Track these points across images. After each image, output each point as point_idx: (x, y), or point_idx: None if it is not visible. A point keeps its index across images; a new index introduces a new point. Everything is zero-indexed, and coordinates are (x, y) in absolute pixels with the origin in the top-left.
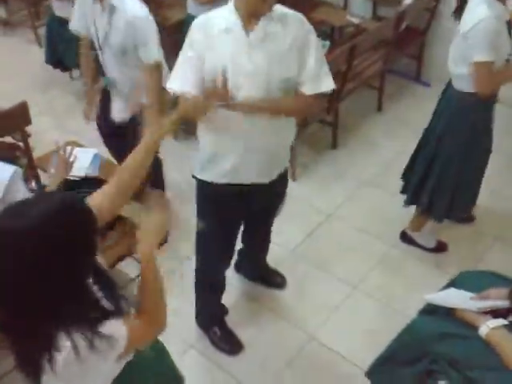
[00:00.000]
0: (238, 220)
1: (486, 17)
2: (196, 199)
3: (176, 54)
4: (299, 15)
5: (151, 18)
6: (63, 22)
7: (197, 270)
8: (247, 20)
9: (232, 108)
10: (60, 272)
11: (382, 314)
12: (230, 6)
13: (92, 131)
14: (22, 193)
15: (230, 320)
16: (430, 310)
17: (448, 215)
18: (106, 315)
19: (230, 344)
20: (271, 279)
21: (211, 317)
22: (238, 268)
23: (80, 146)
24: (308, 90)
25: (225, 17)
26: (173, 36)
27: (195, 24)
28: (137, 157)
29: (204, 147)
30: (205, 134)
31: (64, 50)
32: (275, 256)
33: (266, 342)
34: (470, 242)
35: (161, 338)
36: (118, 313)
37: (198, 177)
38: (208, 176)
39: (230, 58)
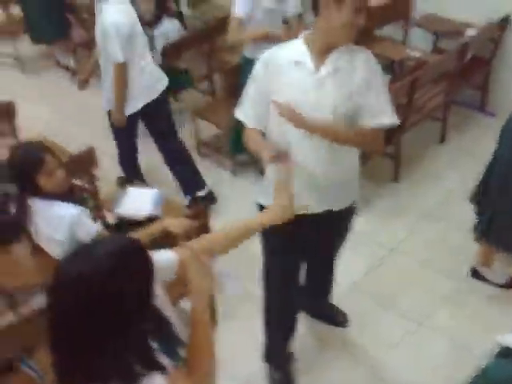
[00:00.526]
0: (300, 250)
1: None
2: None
3: (234, 97)
4: (366, 51)
5: (119, 23)
6: None
7: (264, 309)
8: (318, 54)
9: (309, 129)
10: (118, 318)
11: (449, 353)
12: (300, 40)
13: (155, 172)
14: (91, 229)
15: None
16: (506, 353)
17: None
18: (153, 369)
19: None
20: (333, 318)
21: (275, 358)
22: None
23: (142, 186)
24: (372, 124)
25: (294, 49)
26: (230, 79)
27: (261, 59)
28: (235, 231)
29: (268, 174)
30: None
31: None
32: (337, 290)
33: (331, 380)
34: None
35: None
36: (165, 369)
37: (262, 202)
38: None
39: (298, 90)
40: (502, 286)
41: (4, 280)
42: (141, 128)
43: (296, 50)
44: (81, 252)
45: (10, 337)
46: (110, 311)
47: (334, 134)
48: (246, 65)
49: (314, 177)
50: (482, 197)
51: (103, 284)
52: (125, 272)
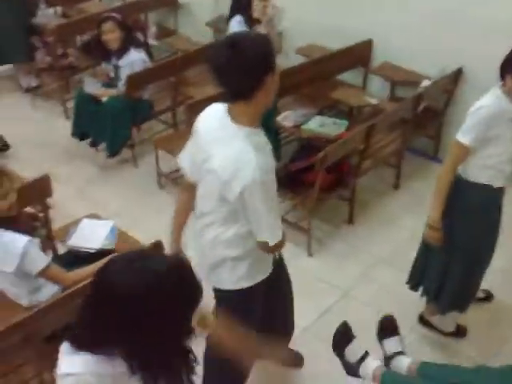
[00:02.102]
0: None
1: (486, 105)
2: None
3: None
4: None
5: None
6: (91, 98)
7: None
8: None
9: None
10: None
11: None
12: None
13: (114, 202)
14: (39, 259)
15: None
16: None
17: (454, 307)
18: None
19: None
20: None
21: None
22: None
23: (98, 218)
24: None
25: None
26: (193, 114)
27: (264, 166)
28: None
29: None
30: None
31: (90, 124)
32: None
33: None
34: (489, 325)
35: None
36: None
37: (234, 288)
38: (245, 283)
39: None
40: (448, 335)
41: None
42: None
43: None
44: (132, 265)
45: None
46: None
47: None
48: None
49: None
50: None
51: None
52: (179, 292)
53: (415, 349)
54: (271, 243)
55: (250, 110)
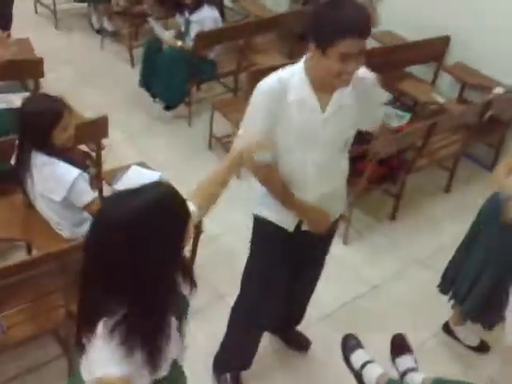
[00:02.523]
0: (287, 263)
1: None
2: (251, 237)
3: None
4: (367, 78)
5: None
6: (157, 48)
7: (235, 309)
8: (321, 91)
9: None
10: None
11: None
12: (301, 71)
13: (162, 155)
14: (86, 193)
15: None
16: None
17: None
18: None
19: None
20: (297, 342)
21: (231, 361)
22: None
23: (147, 167)
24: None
25: (297, 86)
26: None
27: (270, 89)
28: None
29: (256, 184)
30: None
31: (152, 73)
32: (308, 316)
33: None
34: None
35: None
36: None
37: (254, 212)
38: (264, 213)
39: (301, 129)
40: (471, 348)
41: None
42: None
43: (299, 86)
44: (126, 194)
45: None
46: (150, 254)
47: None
48: None
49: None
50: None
51: (147, 225)
52: (167, 218)
53: (433, 355)
54: None
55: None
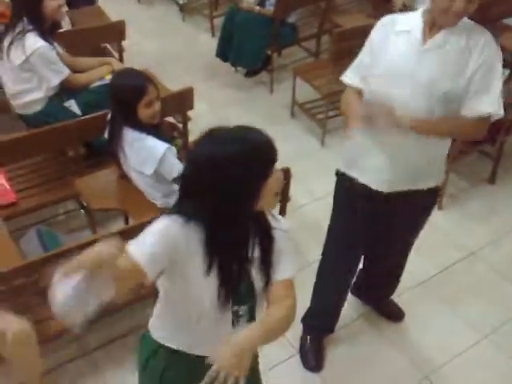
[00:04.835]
0: (369, 224)
1: None
2: (334, 195)
3: (340, 63)
4: (486, 34)
5: None
6: (235, 15)
7: (320, 267)
8: (430, 28)
9: (399, 124)
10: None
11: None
12: (419, 12)
13: (244, 123)
14: (175, 167)
15: (340, 339)
16: None
17: None
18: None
19: (313, 357)
20: (391, 312)
21: (314, 324)
22: (357, 290)
23: None
24: (467, 110)
25: (411, 19)
26: (339, 44)
27: (381, 23)
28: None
29: (350, 144)
30: (355, 134)
31: (230, 41)
32: (403, 284)
33: (373, 371)
34: None
35: None
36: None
37: (342, 170)
38: (351, 172)
39: (399, 60)
40: None
41: (89, 200)
42: None
43: (412, 20)
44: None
45: None
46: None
47: (431, 130)
48: None
49: (397, 154)
50: None
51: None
52: (253, 163)
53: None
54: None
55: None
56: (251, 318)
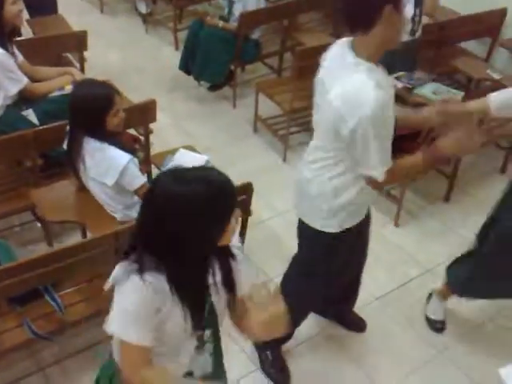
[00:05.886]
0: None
1: None
2: (310, 250)
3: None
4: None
5: None
6: (199, 29)
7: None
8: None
9: None
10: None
11: None
12: (359, 61)
13: (208, 138)
14: (136, 178)
15: (302, 354)
16: None
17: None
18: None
19: (278, 371)
20: (354, 323)
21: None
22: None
23: (194, 151)
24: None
25: (379, 78)
26: (301, 61)
27: (383, 103)
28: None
29: (360, 196)
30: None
31: (192, 55)
32: (361, 299)
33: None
34: None
35: None
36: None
37: (332, 230)
38: (346, 224)
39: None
40: None
41: (45, 212)
42: None
43: (376, 74)
44: (180, 176)
45: (42, 267)
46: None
47: None
48: None
49: None
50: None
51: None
52: (218, 203)
53: (492, 339)
54: (380, 179)
55: (369, 42)
56: (216, 341)
